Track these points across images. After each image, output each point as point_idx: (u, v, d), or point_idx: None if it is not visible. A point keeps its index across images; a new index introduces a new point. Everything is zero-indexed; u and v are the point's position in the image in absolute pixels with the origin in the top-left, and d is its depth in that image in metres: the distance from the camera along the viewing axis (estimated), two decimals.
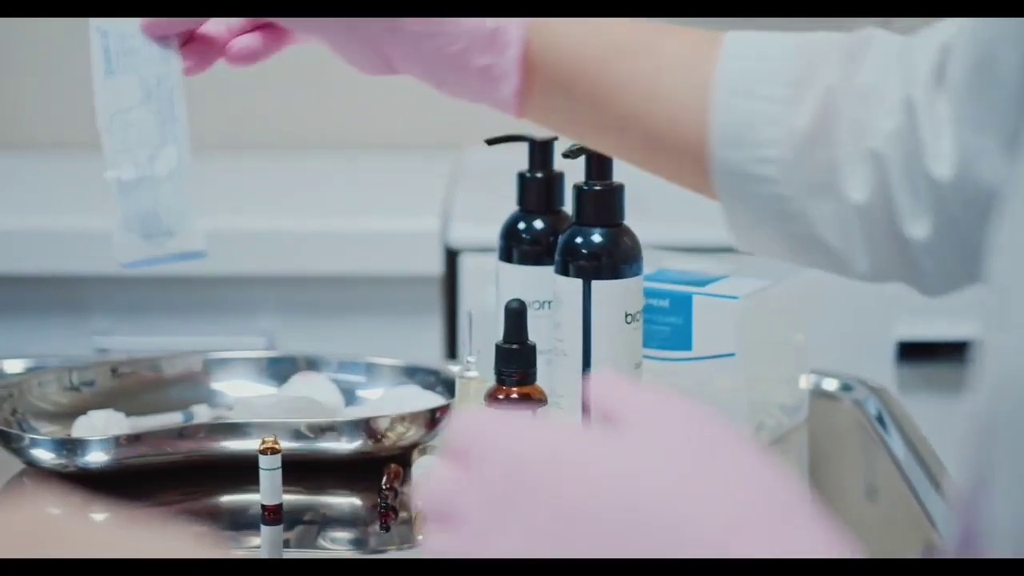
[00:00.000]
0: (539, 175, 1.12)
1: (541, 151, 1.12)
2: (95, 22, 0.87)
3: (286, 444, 1.07)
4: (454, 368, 1.18)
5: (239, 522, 1.08)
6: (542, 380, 1.03)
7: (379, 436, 1.10)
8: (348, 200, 1.96)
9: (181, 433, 1.11)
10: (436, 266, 1.80)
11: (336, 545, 1.05)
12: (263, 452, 1.04)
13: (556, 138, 1.09)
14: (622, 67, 0.82)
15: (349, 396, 1.21)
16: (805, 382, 1.23)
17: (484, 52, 0.83)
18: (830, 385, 1.30)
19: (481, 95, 0.86)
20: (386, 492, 1.08)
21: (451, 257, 1.81)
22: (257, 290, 1.82)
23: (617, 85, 0.82)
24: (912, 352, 1.82)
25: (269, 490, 1.04)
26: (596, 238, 1.04)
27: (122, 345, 1.77)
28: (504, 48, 0.83)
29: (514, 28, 0.83)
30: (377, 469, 1.10)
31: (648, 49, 0.83)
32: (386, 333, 1.80)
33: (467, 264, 1.80)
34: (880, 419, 1.24)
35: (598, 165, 1.05)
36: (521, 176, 1.12)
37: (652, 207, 1.98)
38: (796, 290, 1.21)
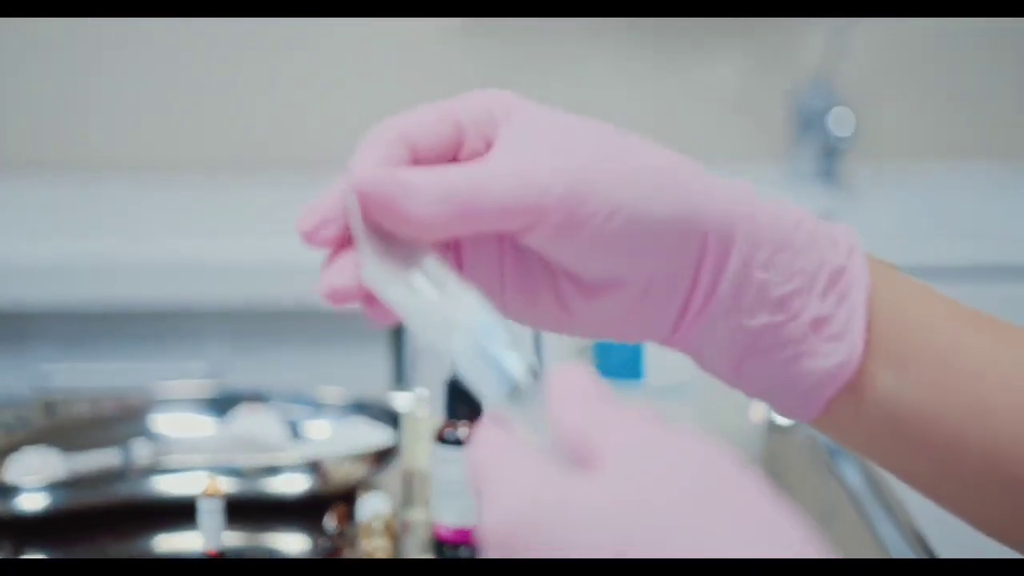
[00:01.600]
0: None
1: None
2: None
3: (229, 484, 1.04)
4: (400, 399, 1.16)
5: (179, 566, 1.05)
6: None
7: (325, 476, 1.08)
8: (292, 229, 1.92)
9: (118, 476, 1.07)
10: None
11: None
12: (205, 496, 1.01)
13: None
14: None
15: (294, 429, 1.18)
16: (758, 414, 1.21)
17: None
18: (783, 418, 1.28)
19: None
20: (332, 533, 1.05)
21: None
22: (203, 322, 1.78)
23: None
24: None
25: (211, 534, 1.01)
26: None
27: (67, 378, 1.73)
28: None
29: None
30: (322, 508, 1.07)
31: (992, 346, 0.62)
32: (333, 363, 1.77)
33: None
34: (833, 451, 1.23)
35: None
36: None
37: None
38: None
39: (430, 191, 0.55)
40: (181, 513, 1.04)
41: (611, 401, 0.47)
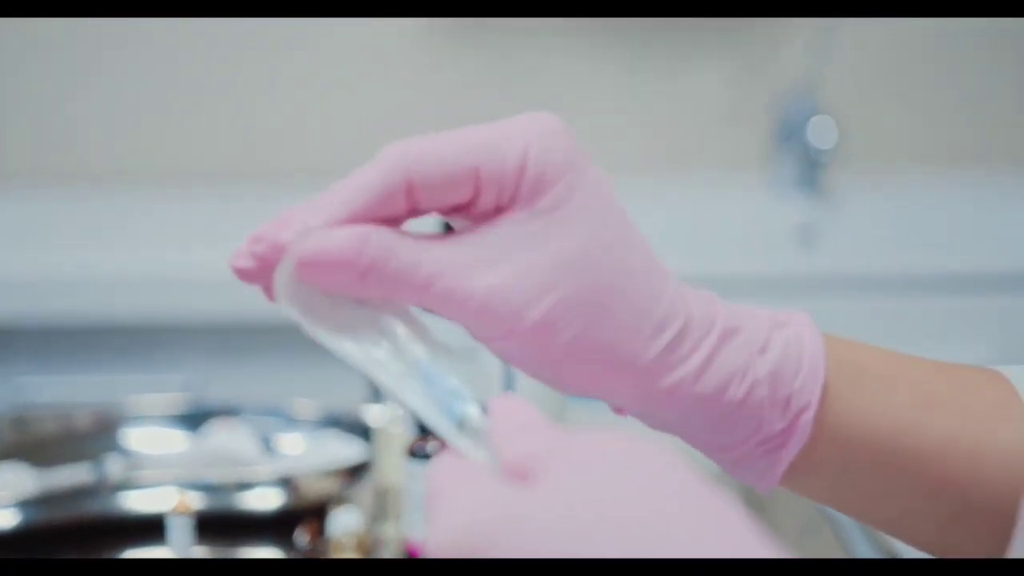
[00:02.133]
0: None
1: None
2: None
3: (201, 500, 1.03)
4: (373, 413, 1.15)
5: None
6: None
7: (297, 492, 1.07)
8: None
9: (90, 492, 1.07)
10: None
11: None
12: (175, 513, 1.00)
13: None
14: (934, 421, 0.61)
15: (267, 444, 1.17)
16: None
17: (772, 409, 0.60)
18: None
19: (740, 460, 0.62)
20: (304, 548, 1.05)
21: None
22: (180, 336, 1.78)
23: (932, 445, 0.61)
24: None
25: (180, 551, 1.00)
26: None
27: (44, 392, 1.72)
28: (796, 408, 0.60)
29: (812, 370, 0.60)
30: (295, 523, 1.07)
31: (952, 398, 0.62)
32: (311, 377, 1.76)
33: None
34: None
35: None
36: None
37: None
38: None
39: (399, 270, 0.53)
40: (152, 529, 1.04)
41: (546, 428, 0.48)
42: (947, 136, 2.22)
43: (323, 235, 0.52)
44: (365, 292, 0.53)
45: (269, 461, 1.15)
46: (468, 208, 0.55)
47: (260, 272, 0.54)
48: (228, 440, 1.15)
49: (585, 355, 0.56)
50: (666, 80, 2.17)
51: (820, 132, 2.11)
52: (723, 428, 0.59)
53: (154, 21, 2.06)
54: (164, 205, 2.05)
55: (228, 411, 1.19)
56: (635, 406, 0.58)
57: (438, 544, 0.46)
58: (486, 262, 0.54)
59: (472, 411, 0.51)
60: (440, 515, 0.46)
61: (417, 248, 0.53)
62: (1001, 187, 2.18)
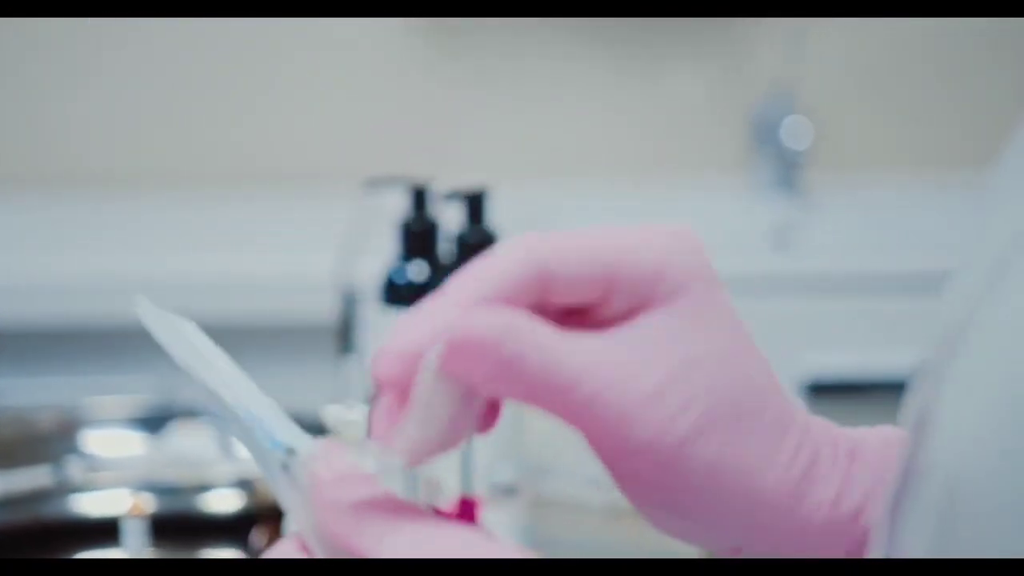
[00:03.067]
0: (420, 221, 1.08)
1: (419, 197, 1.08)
2: None
3: (160, 502, 1.03)
4: (332, 413, 1.15)
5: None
6: None
7: (254, 495, 1.07)
8: (238, 242, 1.90)
9: (48, 494, 1.06)
10: (329, 314, 1.76)
11: None
12: (129, 516, 1.00)
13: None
14: None
15: (228, 446, 1.17)
16: None
17: None
18: None
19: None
20: (261, 551, 1.04)
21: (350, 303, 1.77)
22: (148, 340, 1.76)
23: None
24: (823, 392, 1.79)
25: (134, 554, 1.00)
26: None
27: (11, 396, 1.71)
28: None
29: None
30: (250, 526, 1.06)
31: None
32: (285, 378, 1.75)
33: (366, 311, 1.75)
34: None
35: (474, 210, 1.03)
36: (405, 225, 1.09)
37: None
38: None
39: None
40: (108, 532, 1.03)
41: (362, 485, 0.48)
42: (924, 137, 2.21)
43: (463, 320, 0.47)
44: (498, 389, 0.48)
45: (229, 463, 1.14)
46: (594, 311, 0.50)
47: (403, 374, 0.49)
48: (188, 442, 1.15)
49: (724, 479, 0.50)
50: (643, 81, 2.16)
51: (796, 133, 2.11)
52: (831, 550, 0.52)
53: (154, 21, 2.06)
54: (138, 208, 2.05)
55: (189, 413, 1.19)
56: (764, 544, 0.52)
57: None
58: (636, 364, 0.49)
59: (302, 448, 0.50)
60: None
61: (562, 340, 0.48)
62: (979, 188, 2.17)
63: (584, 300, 0.49)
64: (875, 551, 0.44)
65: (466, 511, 0.52)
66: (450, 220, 1.08)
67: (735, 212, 2.10)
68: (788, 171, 2.12)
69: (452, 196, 1.04)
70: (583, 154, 2.17)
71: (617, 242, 0.50)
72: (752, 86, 2.15)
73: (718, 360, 0.50)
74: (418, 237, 1.08)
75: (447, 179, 1.14)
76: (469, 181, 1.07)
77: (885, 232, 2.12)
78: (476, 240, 1.02)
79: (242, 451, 1.16)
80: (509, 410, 0.52)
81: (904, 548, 0.41)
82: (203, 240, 1.91)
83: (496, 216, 1.06)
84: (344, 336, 1.77)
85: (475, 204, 1.02)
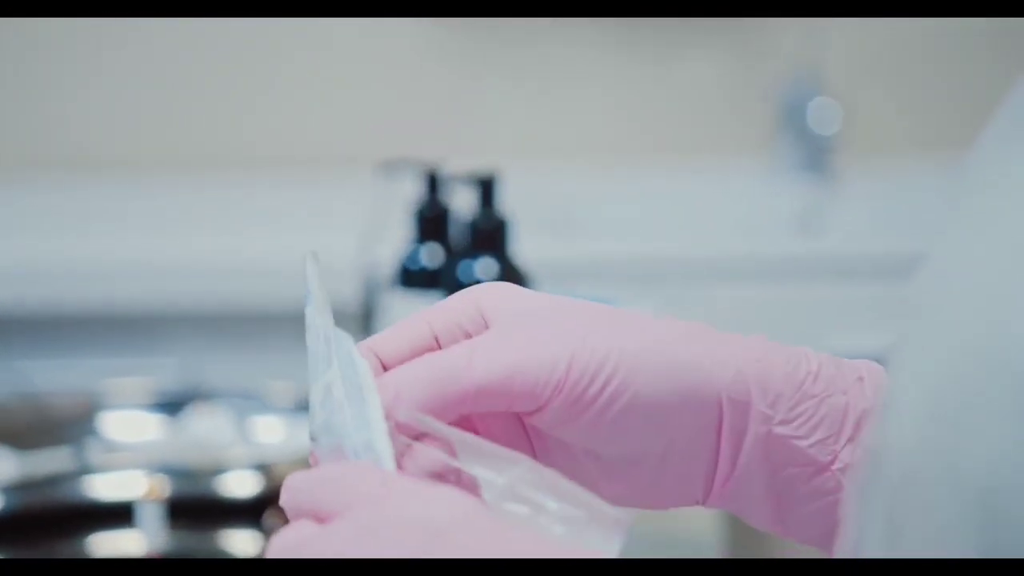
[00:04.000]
0: (433, 205, 1.09)
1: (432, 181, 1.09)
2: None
3: (178, 485, 1.04)
4: None
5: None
6: None
7: (274, 477, 1.07)
8: (254, 227, 1.90)
9: (67, 477, 1.08)
10: (347, 298, 1.77)
11: None
12: (145, 499, 1.01)
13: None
14: None
15: (246, 429, 1.18)
16: None
17: None
18: None
19: None
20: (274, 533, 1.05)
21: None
22: (169, 323, 1.78)
23: None
24: None
25: (151, 537, 1.01)
26: (477, 269, 1.02)
27: (38, 380, 1.73)
28: None
29: None
30: (265, 509, 1.07)
31: None
32: (300, 368, 1.76)
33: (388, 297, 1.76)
34: None
35: (486, 195, 1.03)
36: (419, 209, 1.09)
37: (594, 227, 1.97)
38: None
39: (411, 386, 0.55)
40: (125, 515, 1.04)
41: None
42: (951, 119, 2.20)
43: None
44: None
45: (245, 446, 1.15)
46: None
47: None
48: (206, 426, 1.16)
49: (625, 406, 0.57)
50: (667, 64, 2.16)
51: (822, 115, 2.10)
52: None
53: (154, 21, 2.06)
54: (151, 193, 2.06)
55: (206, 396, 1.19)
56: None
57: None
58: (494, 349, 0.56)
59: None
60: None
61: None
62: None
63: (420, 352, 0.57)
64: (846, 537, 0.44)
65: None
66: (462, 205, 1.08)
67: (761, 195, 2.10)
68: (814, 154, 2.11)
69: (464, 180, 1.04)
70: (608, 139, 2.17)
71: (428, 311, 0.58)
72: (778, 68, 2.14)
73: (561, 313, 0.57)
74: (431, 222, 1.08)
75: (461, 164, 1.15)
76: (482, 165, 1.08)
77: (912, 215, 2.11)
78: (488, 225, 1.02)
79: (258, 434, 1.17)
80: None
81: (864, 532, 0.41)
82: (221, 225, 1.92)
83: (508, 200, 1.06)
84: (365, 321, 1.78)
85: (487, 188, 1.03)
